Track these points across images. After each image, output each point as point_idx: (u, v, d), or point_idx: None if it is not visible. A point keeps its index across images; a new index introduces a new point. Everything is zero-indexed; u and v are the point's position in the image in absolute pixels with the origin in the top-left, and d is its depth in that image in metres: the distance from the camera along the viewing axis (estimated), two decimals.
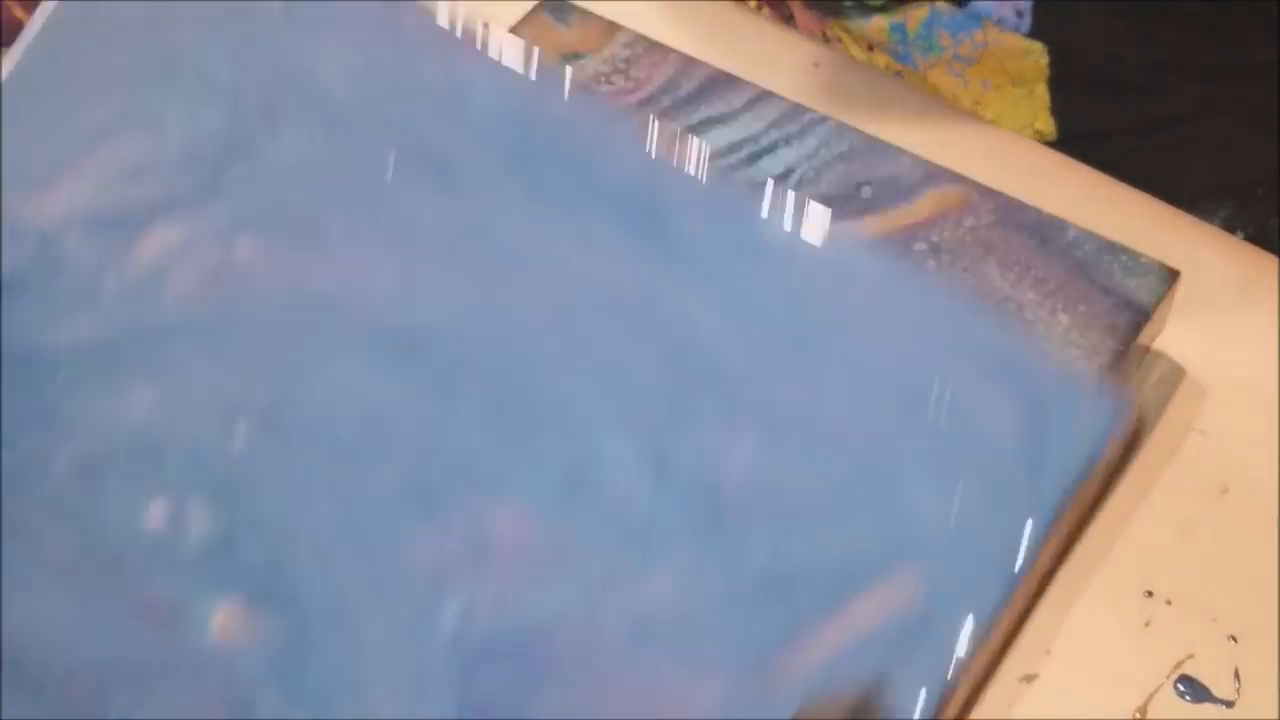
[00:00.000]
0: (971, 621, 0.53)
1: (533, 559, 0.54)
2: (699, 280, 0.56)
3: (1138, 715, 0.73)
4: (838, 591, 0.53)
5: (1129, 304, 0.79)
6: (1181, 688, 0.73)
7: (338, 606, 0.55)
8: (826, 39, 0.97)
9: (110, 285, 0.60)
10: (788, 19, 0.98)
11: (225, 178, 0.62)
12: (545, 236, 0.58)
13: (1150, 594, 0.76)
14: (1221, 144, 0.92)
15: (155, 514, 0.57)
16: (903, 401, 0.54)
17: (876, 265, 0.56)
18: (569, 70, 0.55)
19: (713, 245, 0.57)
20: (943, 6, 0.91)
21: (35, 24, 0.64)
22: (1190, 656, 0.74)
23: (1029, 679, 0.74)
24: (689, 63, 0.90)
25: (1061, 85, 0.92)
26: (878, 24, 0.94)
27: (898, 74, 0.96)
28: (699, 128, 0.87)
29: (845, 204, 0.83)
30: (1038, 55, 0.91)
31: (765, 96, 0.88)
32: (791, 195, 0.54)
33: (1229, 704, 0.73)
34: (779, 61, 0.96)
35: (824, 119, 0.87)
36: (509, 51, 0.62)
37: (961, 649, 0.53)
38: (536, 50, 0.61)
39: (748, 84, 0.89)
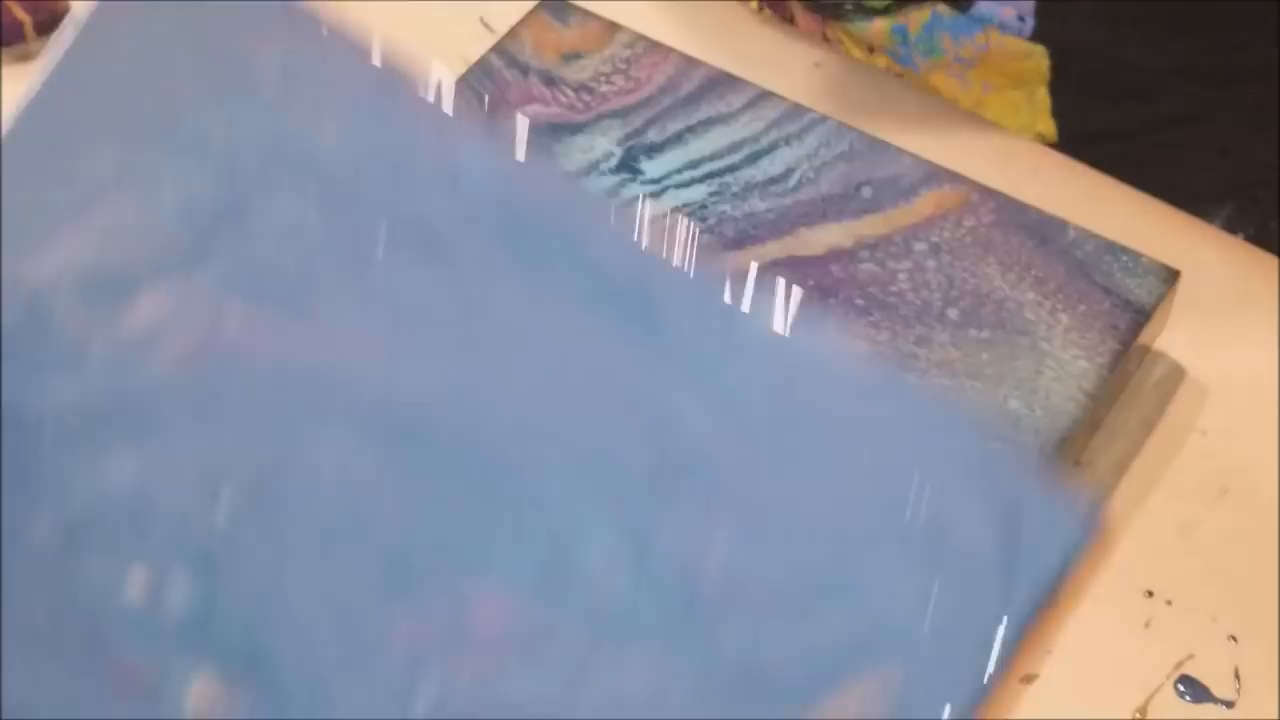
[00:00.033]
0: None
1: (510, 643, 0.54)
2: (684, 371, 0.56)
3: (1138, 715, 0.73)
4: (811, 688, 0.53)
5: (1129, 304, 0.79)
6: (1182, 688, 0.73)
7: (314, 683, 0.55)
8: (827, 40, 0.97)
9: (98, 348, 0.60)
10: (788, 20, 0.98)
11: (217, 244, 0.62)
12: (533, 318, 0.58)
13: (1150, 594, 0.76)
14: (1223, 146, 0.92)
15: (135, 582, 0.57)
16: (880, 501, 0.54)
17: (860, 366, 0.56)
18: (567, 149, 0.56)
19: (698, 336, 0.57)
20: (944, 9, 0.91)
21: (35, 82, 0.64)
22: (1190, 656, 0.74)
23: (1029, 679, 0.74)
24: (689, 63, 0.90)
25: (1063, 88, 0.92)
26: (879, 27, 0.94)
27: (898, 75, 0.96)
28: (699, 128, 0.87)
29: (845, 204, 0.83)
30: (1039, 59, 0.91)
31: (765, 96, 0.88)
32: (781, 287, 0.55)
33: (1229, 704, 0.73)
34: (779, 61, 0.96)
35: (824, 119, 0.87)
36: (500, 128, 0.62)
37: None
38: (526, 127, 0.61)
39: (748, 84, 0.89)
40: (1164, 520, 0.78)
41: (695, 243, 0.52)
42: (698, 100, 0.88)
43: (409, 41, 0.99)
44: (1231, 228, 0.91)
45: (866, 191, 0.84)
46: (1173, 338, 0.83)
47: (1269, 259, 0.87)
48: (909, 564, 0.54)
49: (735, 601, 0.53)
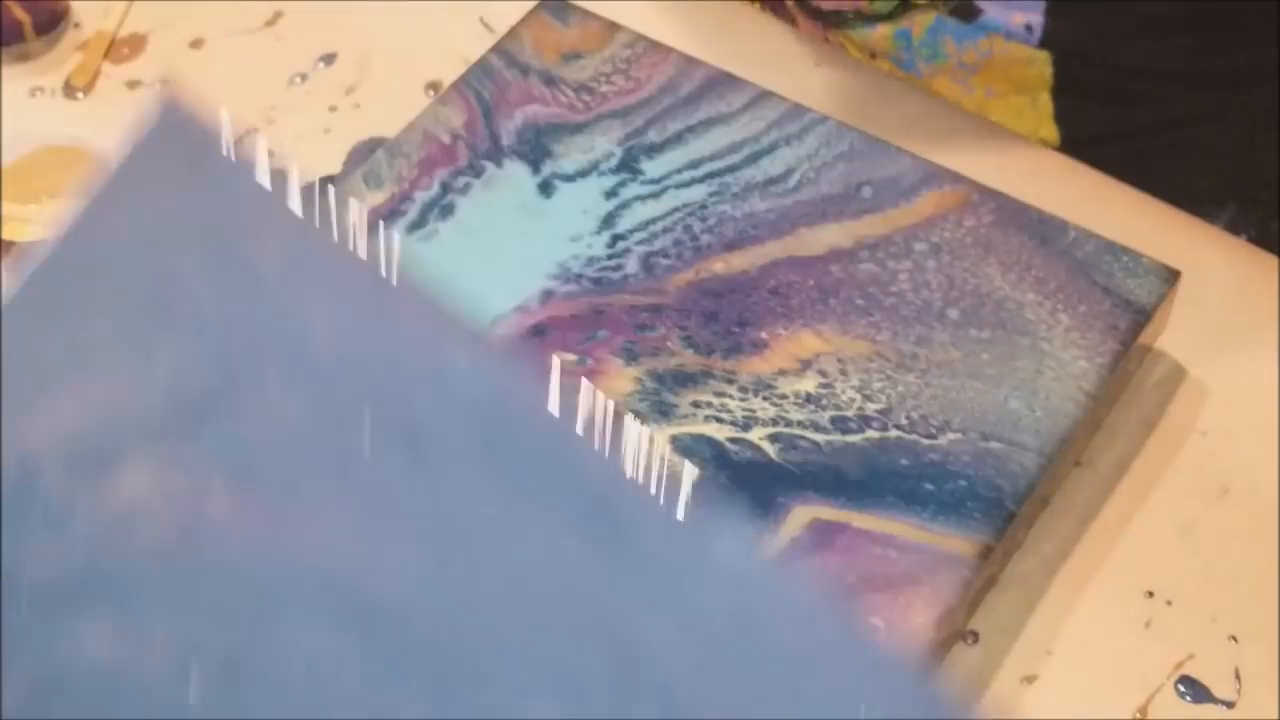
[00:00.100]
0: None
1: None
2: (652, 593, 0.58)
3: (1138, 715, 0.73)
4: None
5: (1130, 304, 0.79)
6: (1182, 688, 0.73)
7: None
8: (828, 42, 0.97)
9: (81, 517, 0.62)
10: (789, 20, 0.98)
11: (204, 423, 0.64)
12: (506, 525, 0.60)
13: (1151, 594, 0.76)
14: (1224, 149, 0.93)
15: None
16: None
17: (825, 603, 0.58)
18: (558, 364, 0.58)
19: (666, 560, 0.58)
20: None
21: (42, 251, 0.66)
22: (1191, 657, 0.74)
23: (1029, 679, 0.74)
24: (689, 63, 0.90)
25: (1065, 93, 0.92)
26: (881, 32, 0.94)
27: (899, 77, 0.96)
28: (699, 128, 0.87)
29: (845, 204, 0.83)
30: (1042, 65, 0.91)
31: (765, 96, 0.88)
32: (752, 531, 0.57)
33: (1229, 704, 0.73)
34: (779, 61, 0.96)
35: (824, 119, 0.87)
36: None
37: None
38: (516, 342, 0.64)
39: (748, 84, 0.89)
40: (1164, 520, 0.78)
41: (667, 468, 0.54)
42: (698, 100, 0.88)
43: (409, 41, 0.99)
44: (1234, 229, 0.91)
45: (867, 191, 0.84)
46: (1173, 338, 0.83)
47: (1269, 259, 0.87)
48: None
49: None
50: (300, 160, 0.94)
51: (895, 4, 0.93)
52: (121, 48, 1.00)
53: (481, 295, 0.80)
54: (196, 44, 1.00)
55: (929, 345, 0.78)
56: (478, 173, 0.85)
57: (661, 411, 0.76)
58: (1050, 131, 0.94)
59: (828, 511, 0.73)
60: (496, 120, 0.88)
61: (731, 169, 0.85)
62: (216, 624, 0.60)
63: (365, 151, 0.93)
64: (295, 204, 0.66)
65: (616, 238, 0.82)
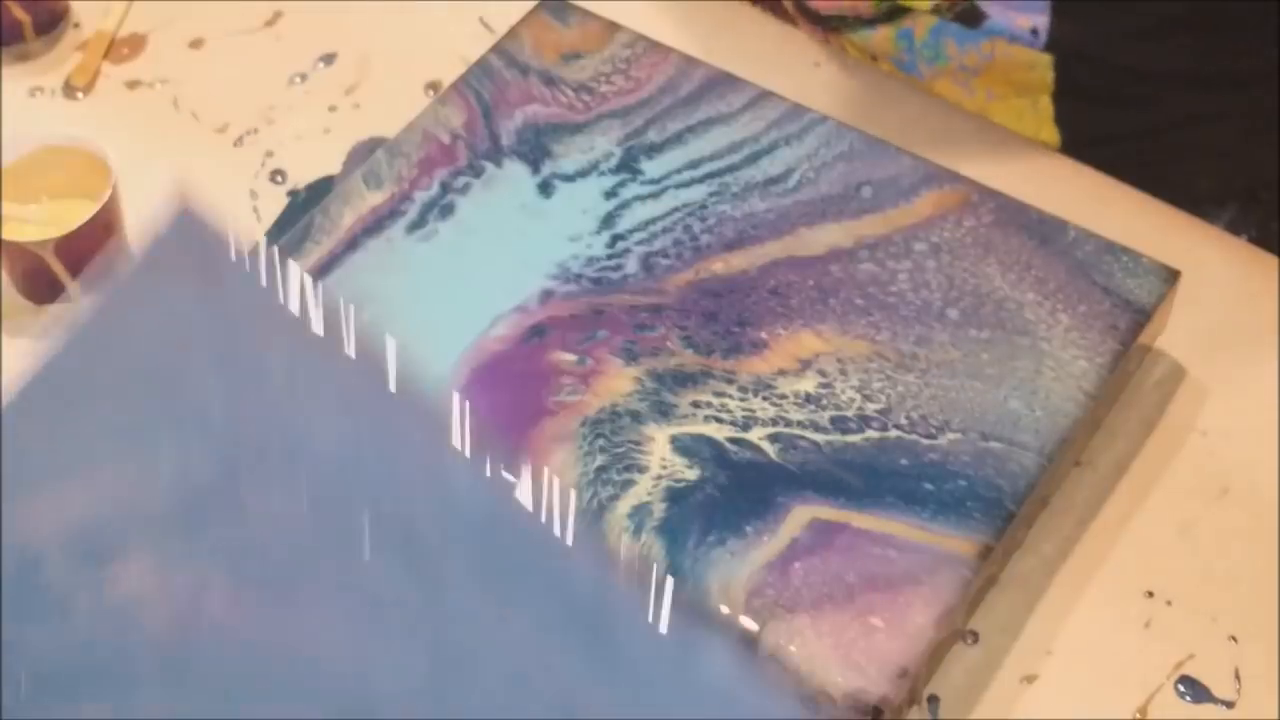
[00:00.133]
0: None
1: None
2: (635, 704, 0.59)
3: (1138, 715, 0.73)
4: None
5: (1129, 304, 0.79)
6: (1182, 688, 0.73)
7: None
8: (828, 42, 0.97)
9: (82, 606, 0.64)
10: (790, 20, 0.98)
11: (207, 519, 0.67)
12: (498, 631, 0.62)
13: (1151, 594, 0.76)
14: (1225, 149, 0.92)
15: None
16: None
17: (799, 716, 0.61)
18: (550, 478, 0.61)
19: (651, 671, 0.60)
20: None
21: (53, 343, 0.68)
22: (1191, 657, 0.74)
23: (1029, 679, 0.74)
24: (689, 63, 0.90)
25: (1066, 97, 0.92)
26: (883, 34, 0.94)
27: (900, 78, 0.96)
28: (699, 128, 0.87)
29: (845, 204, 0.83)
30: (1043, 69, 0.91)
31: (765, 96, 0.88)
32: (731, 649, 0.59)
33: (1229, 704, 0.73)
34: (779, 61, 0.96)
35: (824, 119, 0.87)
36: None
37: None
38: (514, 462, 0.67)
39: (748, 84, 0.89)
40: (1164, 520, 0.78)
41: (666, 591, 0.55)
42: (698, 100, 0.88)
43: (409, 41, 0.99)
44: (1234, 229, 0.91)
45: (866, 191, 0.84)
46: (1173, 338, 0.83)
47: (1269, 259, 0.87)
48: None
49: None
50: (300, 160, 0.95)
51: (889, 6, 0.93)
52: (121, 48, 1.00)
53: (481, 295, 0.80)
54: (196, 44, 1.00)
55: (929, 345, 0.78)
56: (477, 173, 0.85)
57: (661, 411, 0.76)
58: (1051, 134, 0.94)
59: (827, 511, 0.73)
60: (496, 120, 0.88)
61: (731, 169, 0.85)
62: (212, 716, 0.61)
63: (365, 151, 0.93)
64: (301, 313, 0.68)
65: (616, 238, 0.82)
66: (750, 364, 0.78)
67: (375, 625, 0.61)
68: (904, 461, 0.74)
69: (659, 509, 0.73)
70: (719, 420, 0.76)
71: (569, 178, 0.85)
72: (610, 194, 0.84)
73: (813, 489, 0.73)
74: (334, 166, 0.93)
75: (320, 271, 0.81)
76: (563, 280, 0.81)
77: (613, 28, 0.91)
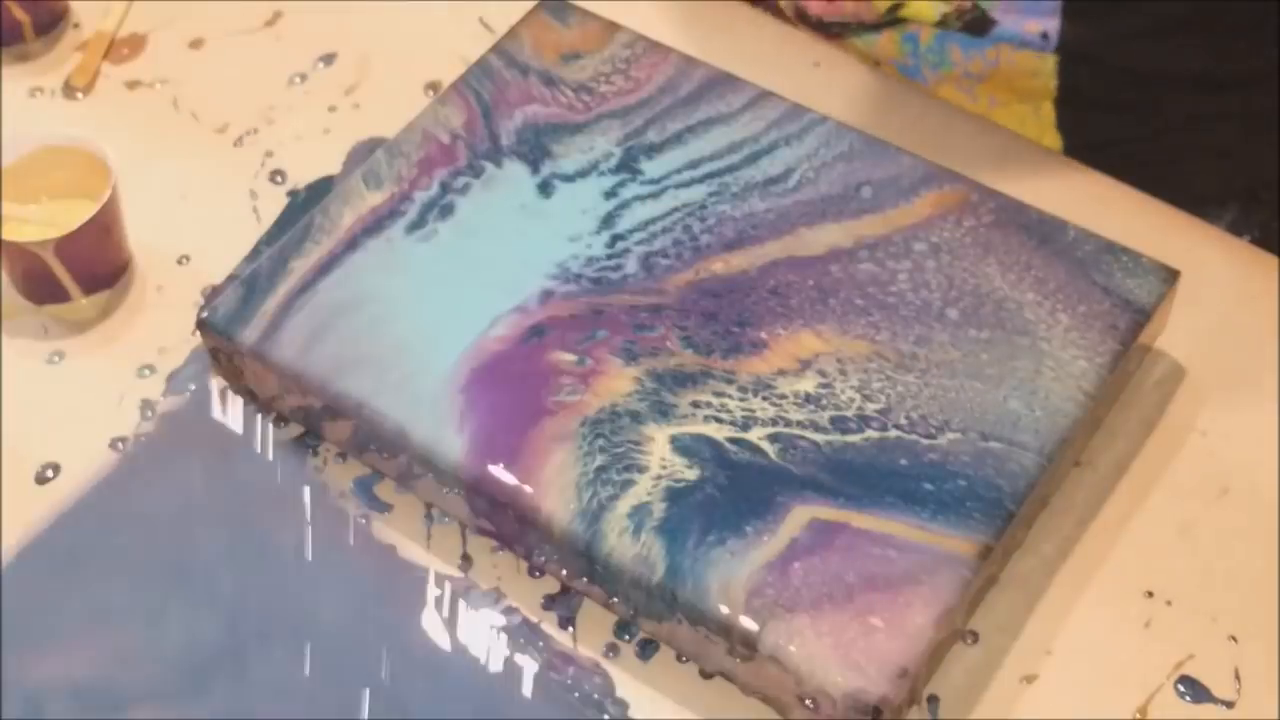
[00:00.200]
0: None
1: None
2: None
3: (1138, 715, 0.73)
4: None
5: (1129, 304, 0.79)
6: (1182, 688, 0.73)
7: None
8: (830, 45, 0.97)
9: None
10: (792, 20, 0.98)
11: (211, 684, 0.70)
12: None
13: (1150, 594, 0.76)
14: (1227, 151, 0.92)
15: None
16: None
17: None
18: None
19: None
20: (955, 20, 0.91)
21: (66, 498, 0.75)
22: (1190, 657, 0.74)
23: (1029, 679, 0.74)
24: (689, 63, 0.90)
25: (1068, 103, 0.91)
26: (888, 37, 0.94)
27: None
28: (699, 128, 0.87)
29: (845, 204, 0.83)
30: (1046, 76, 0.91)
31: (765, 96, 0.88)
32: None
33: (1229, 704, 0.73)
34: (779, 61, 0.96)
35: (824, 119, 0.87)
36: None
37: None
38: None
39: (748, 84, 0.89)
40: (1164, 520, 0.78)
41: None
42: (697, 100, 0.88)
43: (409, 41, 0.99)
44: (1236, 230, 0.91)
45: (866, 191, 0.84)
46: (1173, 337, 0.83)
47: (1269, 259, 0.87)
48: None
49: None
50: (300, 160, 0.95)
51: (891, 16, 0.93)
52: (121, 48, 1.00)
53: (481, 295, 0.80)
54: (196, 44, 1.00)
55: (928, 345, 0.78)
56: (477, 173, 0.85)
57: (661, 411, 0.76)
58: (1053, 140, 0.94)
59: (827, 511, 0.73)
60: (496, 120, 0.88)
61: (731, 169, 0.85)
62: None
63: (365, 151, 0.93)
64: (308, 491, 0.74)
65: (616, 238, 0.82)
66: (750, 364, 0.78)
67: None
68: (904, 461, 0.74)
69: (659, 509, 0.73)
70: (719, 420, 0.76)
71: (569, 178, 0.85)
72: (610, 194, 0.84)
73: (812, 489, 0.73)
74: (334, 166, 0.93)
75: (320, 271, 0.81)
76: (563, 280, 0.81)
77: (612, 28, 0.91)
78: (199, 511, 0.74)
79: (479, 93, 0.89)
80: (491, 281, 0.81)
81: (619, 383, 0.77)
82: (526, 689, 0.70)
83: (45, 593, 0.73)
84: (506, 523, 0.76)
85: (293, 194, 0.92)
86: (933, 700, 0.73)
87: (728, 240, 0.82)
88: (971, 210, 0.83)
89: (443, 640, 0.72)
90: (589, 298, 0.80)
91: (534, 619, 0.76)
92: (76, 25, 1.01)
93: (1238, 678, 0.74)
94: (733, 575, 0.71)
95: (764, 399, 0.76)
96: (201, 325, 0.81)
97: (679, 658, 0.75)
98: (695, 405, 0.76)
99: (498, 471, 0.75)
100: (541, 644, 0.75)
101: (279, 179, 0.93)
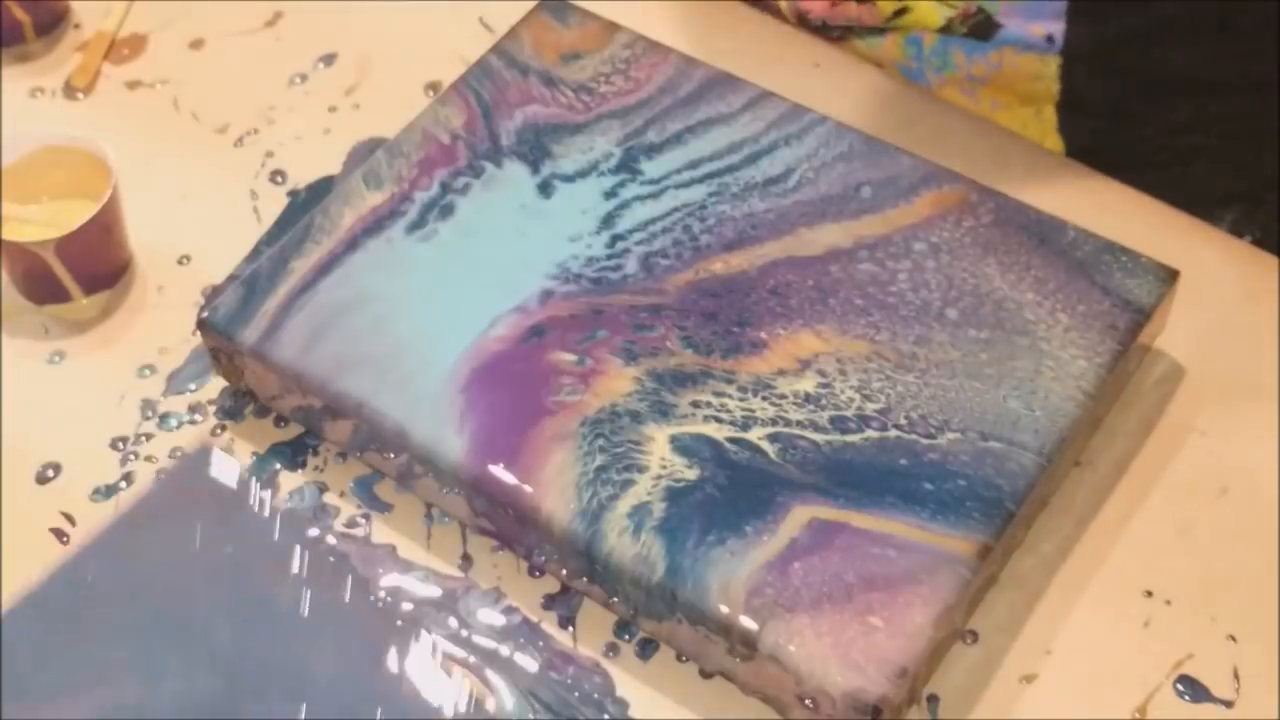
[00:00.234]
0: None
1: None
2: None
3: (1137, 715, 0.73)
4: None
5: (1129, 304, 0.79)
6: (1181, 687, 0.73)
7: None
8: (830, 45, 0.97)
9: None
10: (793, 21, 0.98)
11: None
12: None
13: (1150, 594, 0.76)
14: (1228, 152, 0.92)
15: None
16: None
17: None
18: None
19: None
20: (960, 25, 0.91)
21: (68, 552, 0.76)
22: (1190, 656, 0.74)
23: (1028, 678, 0.74)
24: (689, 63, 0.90)
25: (1070, 107, 0.91)
26: (892, 40, 0.94)
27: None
28: (698, 128, 0.87)
29: (844, 204, 0.83)
30: (1049, 80, 0.91)
31: (765, 96, 0.88)
32: None
33: (1228, 704, 0.73)
34: (779, 61, 0.96)
35: (824, 119, 0.87)
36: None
37: None
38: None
39: (748, 84, 0.89)
40: (1163, 520, 0.78)
41: None
42: (697, 100, 0.88)
43: (409, 42, 0.99)
44: (1238, 231, 0.91)
45: (866, 191, 0.84)
46: (1172, 337, 0.83)
47: (1269, 259, 0.87)
48: None
49: None
50: (300, 160, 0.95)
51: (894, 21, 0.93)
52: (122, 48, 1.00)
53: (481, 295, 0.80)
54: (197, 44, 1.00)
55: (928, 345, 0.78)
56: (477, 173, 0.85)
57: (661, 411, 0.76)
58: (1055, 143, 0.94)
59: (827, 511, 0.73)
60: (496, 120, 0.88)
61: (731, 169, 0.85)
62: None
63: (365, 152, 0.93)
64: (305, 548, 0.75)
65: (616, 238, 0.83)
66: (750, 364, 0.78)
67: None
68: (903, 461, 0.74)
69: (659, 508, 0.73)
70: (719, 420, 0.76)
71: (569, 178, 0.85)
72: (610, 194, 0.84)
73: (812, 489, 0.73)
74: (334, 167, 0.93)
75: (320, 271, 0.82)
76: (562, 280, 0.81)
77: (612, 28, 0.91)
78: (197, 568, 0.75)
79: (479, 93, 0.89)
80: (491, 281, 0.81)
81: (619, 383, 0.77)
82: None
83: (43, 648, 0.74)
84: (506, 522, 0.76)
85: (293, 194, 0.92)
86: (932, 700, 0.73)
87: (728, 240, 0.82)
88: (971, 210, 0.83)
89: (438, 699, 0.72)
90: (589, 298, 0.80)
91: (534, 618, 0.76)
92: (77, 26, 1.02)
93: (1237, 677, 0.74)
94: (732, 575, 0.71)
95: (764, 399, 0.76)
96: (202, 325, 0.81)
97: (679, 657, 0.75)
98: (695, 405, 0.76)
99: (498, 471, 0.75)
100: (541, 643, 0.75)
101: (279, 179, 0.93)
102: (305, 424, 0.82)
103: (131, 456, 0.82)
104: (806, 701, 0.70)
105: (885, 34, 0.95)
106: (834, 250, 0.82)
